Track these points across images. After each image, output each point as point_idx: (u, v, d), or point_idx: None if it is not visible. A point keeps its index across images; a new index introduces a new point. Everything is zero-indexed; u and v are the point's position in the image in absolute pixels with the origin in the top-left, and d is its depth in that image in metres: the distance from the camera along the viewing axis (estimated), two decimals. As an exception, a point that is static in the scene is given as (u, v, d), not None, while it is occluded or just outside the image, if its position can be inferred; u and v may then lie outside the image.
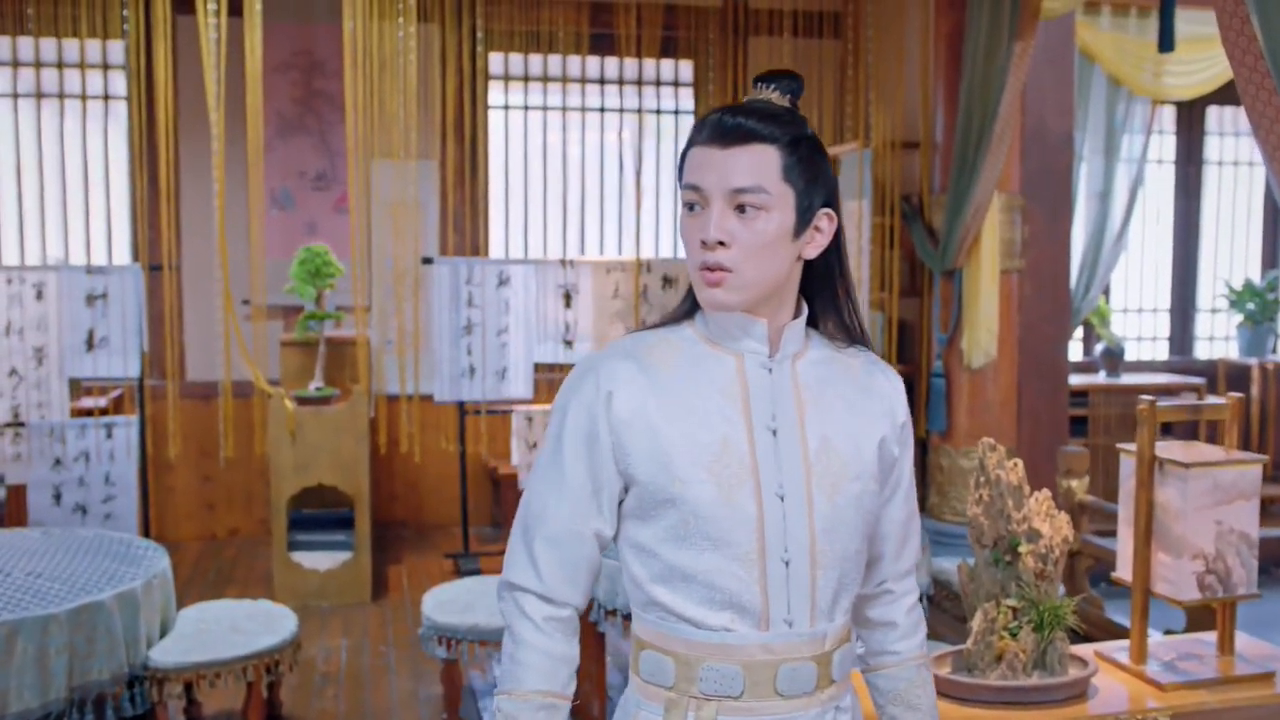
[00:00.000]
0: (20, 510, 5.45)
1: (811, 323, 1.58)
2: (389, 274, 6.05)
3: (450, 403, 6.03)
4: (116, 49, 6.38)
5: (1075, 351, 7.06)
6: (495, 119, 6.98)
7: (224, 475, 6.55)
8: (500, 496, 6.56)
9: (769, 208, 1.45)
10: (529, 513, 1.54)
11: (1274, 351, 7.44)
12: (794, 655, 1.48)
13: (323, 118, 6.67)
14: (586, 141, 7.12)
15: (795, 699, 1.48)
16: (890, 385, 1.60)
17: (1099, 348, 7.04)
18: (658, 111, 7.21)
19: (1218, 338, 7.85)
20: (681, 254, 7.17)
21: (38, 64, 6.43)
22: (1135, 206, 6.97)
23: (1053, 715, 2.29)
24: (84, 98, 6.49)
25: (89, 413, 5.76)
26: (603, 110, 7.11)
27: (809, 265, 1.54)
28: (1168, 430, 5.79)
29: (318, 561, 5.58)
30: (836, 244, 1.54)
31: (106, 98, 6.54)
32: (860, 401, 1.56)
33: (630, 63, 7.03)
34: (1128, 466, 2.58)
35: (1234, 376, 7.35)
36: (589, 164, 7.14)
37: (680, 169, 1.51)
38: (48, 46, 6.39)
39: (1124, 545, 2.62)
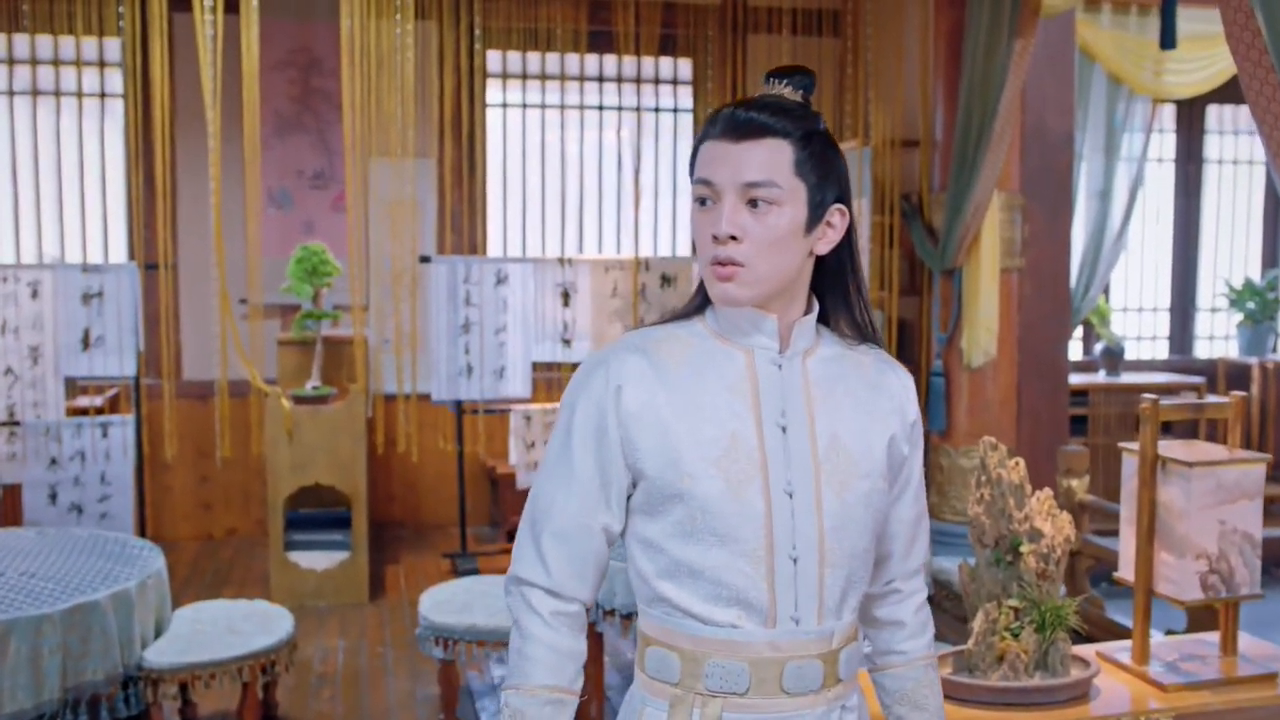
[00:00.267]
0: (15, 510, 5.43)
1: (823, 319, 1.58)
2: (386, 273, 6.03)
3: (448, 402, 6.01)
4: (113, 46, 6.36)
5: (1075, 351, 7.04)
6: (493, 117, 6.96)
7: (220, 475, 6.53)
8: (498, 496, 6.54)
9: (781, 202, 1.45)
10: (537, 507, 1.53)
11: (1274, 350, 7.42)
12: (800, 653, 1.47)
13: (320, 116, 6.65)
14: (585, 140, 7.09)
15: (801, 697, 1.47)
16: (901, 383, 1.60)
17: (1099, 347, 7.02)
18: (656, 110, 7.19)
19: (1218, 337, 7.84)
20: (680, 252, 7.15)
21: (34, 61, 6.40)
22: (1135, 205, 6.96)
23: (1055, 716, 2.27)
24: (80, 95, 6.46)
25: (84, 412, 5.74)
26: (601, 108, 7.09)
27: (820, 261, 1.54)
28: (1167, 429, 5.76)
29: (315, 561, 5.56)
30: (848, 240, 1.54)
31: (103, 95, 6.51)
32: (870, 399, 1.55)
33: (629, 61, 7.01)
34: (1130, 466, 2.56)
35: (1234, 376, 7.33)
36: (587, 162, 7.11)
37: (692, 163, 1.50)
38: (44, 44, 6.37)
39: (1126, 545, 2.61)
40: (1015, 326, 5.39)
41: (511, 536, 6.26)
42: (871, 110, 6.27)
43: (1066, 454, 4.35)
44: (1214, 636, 2.65)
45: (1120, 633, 3.82)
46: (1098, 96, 6.70)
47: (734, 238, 1.44)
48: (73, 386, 5.94)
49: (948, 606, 4.71)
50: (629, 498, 1.52)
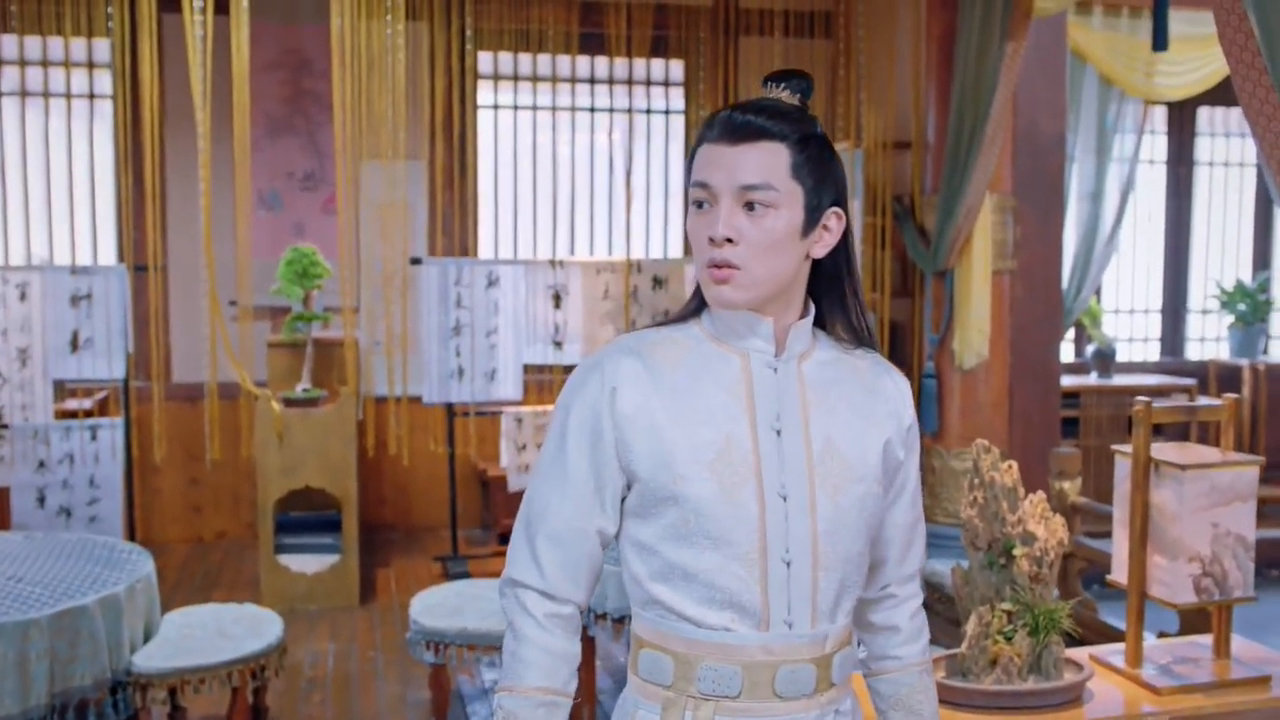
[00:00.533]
0: (3, 513, 5.40)
1: (819, 323, 1.58)
2: (377, 275, 6.01)
3: (439, 404, 5.99)
4: (102, 47, 6.33)
5: (1067, 352, 7.04)
6: (485, 119, 6.94)
7: (210, 478, 6.50)
8: (489, 499, 6.52)
9: (777, 205, 1.45)
10: (532, 509, 1.54)
11: (1265, 352, 7.43)
12: (793, 657, 1.47)
13: (311, 118, 6.63)
14: (576, 141, 7.08)
15: (794, 701, 1.47)
16: (896, 388, 1.60)
17: (1090, 348, 7.03)
18: (648, 111, 7.18)
19: (1209, 339, 7.85)
20: (672, 254, 7.14)
21: (22, 62, 6.37)
22: (1127, 207, 6.97)
23: (1048, 720, 2.27)
24: (69, 97, 6.43)
25: (73, 415, 5.71)
26: (593, 110, 7.08)
27: (817, 265, 1.54)
28: (1159, 431, 5.76)
29: (305, 565, 5.53)
30: (845, 244, 1.54)
31: (92, 97, 6.48)
32: (866, 403, 1.55)
33: (620, 62, 7.00)
34: (1123, 468, 2.56)
35: (1225, 377, 7.34)
36: (579, 164, 7.10)
37: (689, 166, 1.51)
38: (32, 44, 6.34)
39: (1119, 548, 2.60)
40: (1007, 328, 5.39)
41: (503, 539, 6.25)
42: (863, 112, 6.27)
43: (1059, 456, 4.35)
44: (1207, 639, 2.65)
45: (1113, 635, 3.81)
46: (1089, 98, 6.71)
47: (730, 240, 1.45)
48: (61, 389, 5.91)
49: (940, 609, 4.70)
50: (623, 500, 1.51)
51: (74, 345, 5.47)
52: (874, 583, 1.64)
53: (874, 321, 6.01)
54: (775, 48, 6.89)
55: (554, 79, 6.92)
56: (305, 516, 5.88)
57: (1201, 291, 7.78)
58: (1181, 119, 7.61)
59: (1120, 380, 6.84)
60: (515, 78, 6.95)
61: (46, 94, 6.42)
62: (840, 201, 1.51)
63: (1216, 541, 2.47)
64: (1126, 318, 7.76)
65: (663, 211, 7.24)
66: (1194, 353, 7.82)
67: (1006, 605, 2.37)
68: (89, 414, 5.82)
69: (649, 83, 7.15)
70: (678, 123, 7.18)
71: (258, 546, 5.61)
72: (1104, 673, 2.50)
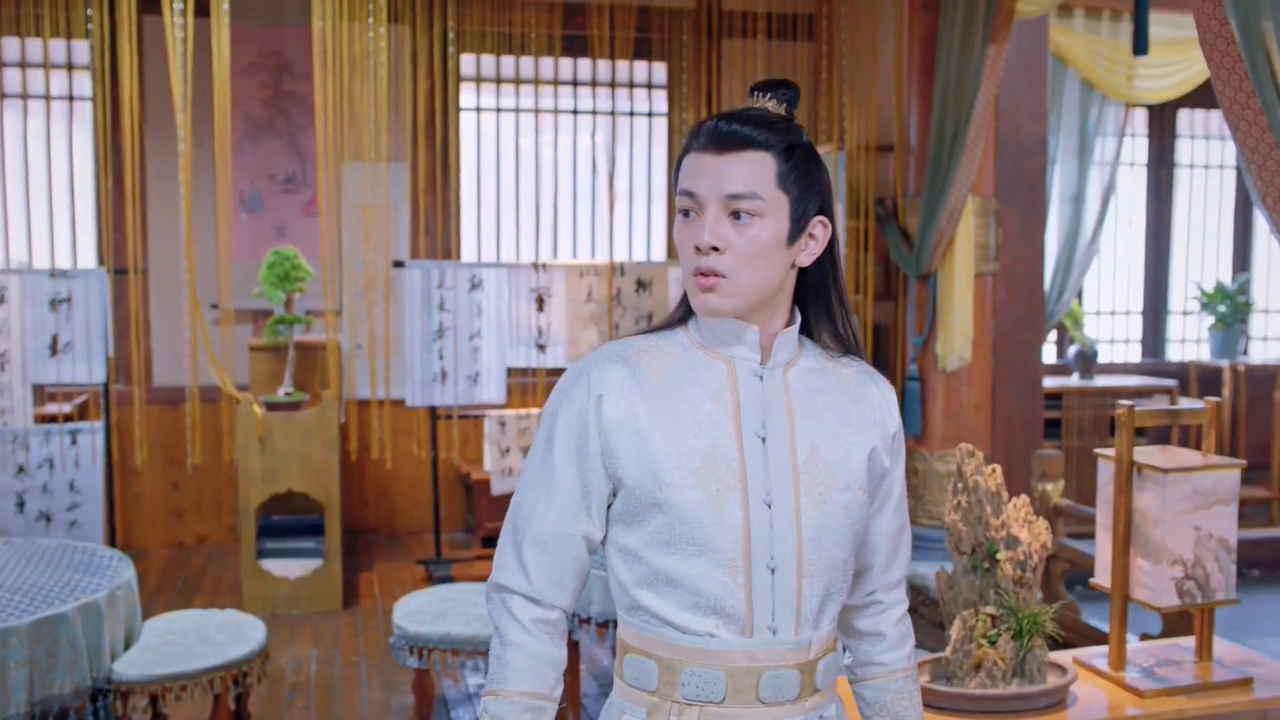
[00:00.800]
0: (-18, 519, 5.35)
1: (806, 331, 1.59)
2: (359, 278, 5.99)
3: (422, 408, 5.97)
4: (81, 49, 6.28)
5: (1049, 354, 7.07)
6: (467, 121, 6.93)
7: (192, 482, 6.46)
8: (473, 502, 6.50)
9: (763, 214, 1.46)
10: (518, 515, 1.54)
11: (1245, 354, 7.48)
12: (777, 663, 1.48)
13: (292, 120, 6.60)
14: (559, 144, 7.07)
15: (777, 706, 1.48)
16: (882, 396, 1.61)
17: (1072, 350, 7.06)
18: (631, 114, 7.17)
19: (1189, 340, 7.89)
20: (655, 257, 7.14)
21: (0, 64, 6.32)
22: (1108, 209, 7.00)
23: (1032, 724, 2.27)
24: (48, 98, 6.38)
25: (53, 419, 5.67)
26: (575, 112, 7.07)
27: (803, 273, 1.56)
28: (1140, 433, 5.80)
29: (287, 569, 5.50)
30: (831, 252, 1.55)
31: (71, 99, 6.44)
32: (851, 411, 1.56)
33: (603, 65, 7.00)
34: (1106, 472, 2.56)
35: (1205, 379, 7.39)
36: (561, 166, 7.09)
37: (676, 175, 1.52)
38: (10, 46, 6.29)
39: (1103, 551, 2.61)
40: (990, 330, 5.40)
41: (486, 542, 6.24)
42: (846, 115, 6.27)
43: (1041, 458, 4.36)
44: (1189, 641, 2.66)
45: (1096, 637, 3.82)
46: (1070, 101, 6.74)
47: (716, 249, 1.46)
48: (41, 393, 5.87)
49: (924, 612, 4.71)
50: (609, 506, 1.52)
51: (54, 349, 5.43)
52: (859, 589, 1.65)
53: (858, 326, 6.04)
54: (758, 50, 6.90)
55: (536, 81, 6.90)
56: (287, 521, 5.85)
57: (1182, 293, 7.82)
58: (1162, 122, 7.66)
59: (1102, 382, 6.87)
60: (498, 80, 6.93)
61: (25, 96, 6.37)
62: (826, 210, 1.52)
63: (1199, 544, 2.48)
64: (1108, 319, 7.79)
65: (645, 214, 7.24)
66: (1175, 354, 7.87)
67: (990, 609, 2.37)
68: (69, 418, 5.78)
69: (631, 85, 7.15)
70: (660, 125, 7.18)
71: (239, 551, 5.58)
72: (1087, 676, 2.51)
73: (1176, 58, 6.44)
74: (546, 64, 6.89)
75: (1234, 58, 2.31)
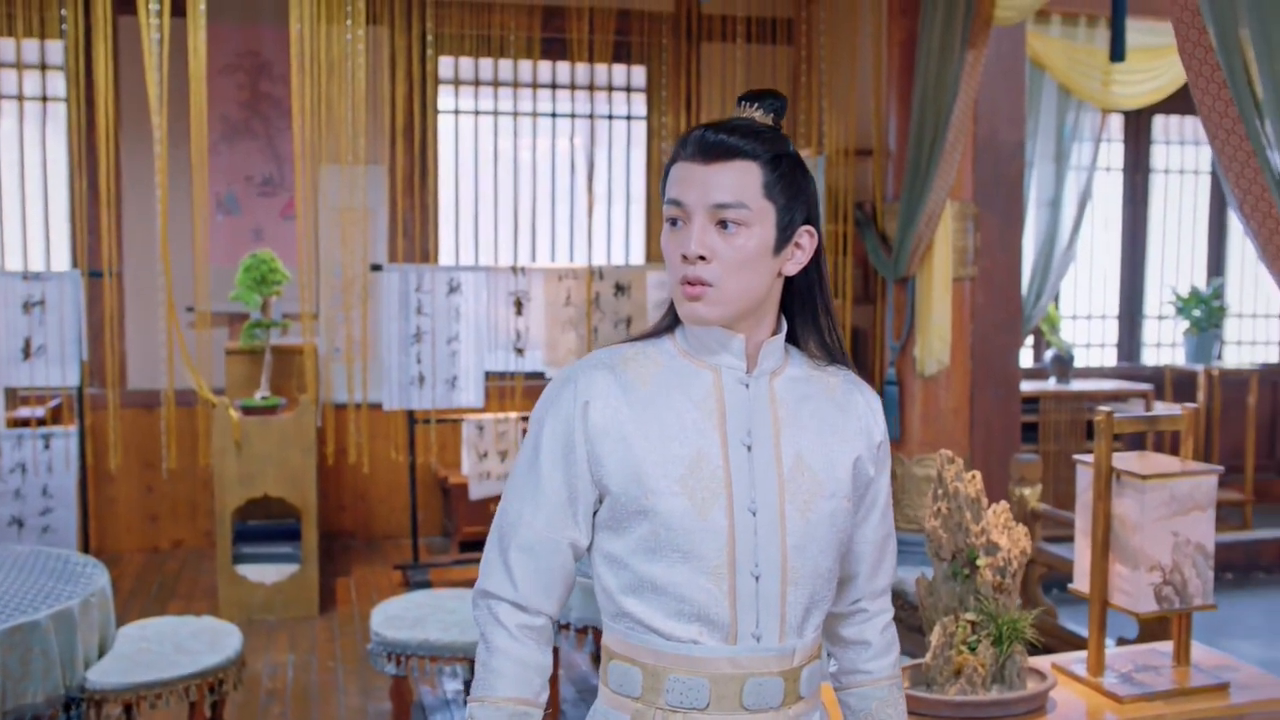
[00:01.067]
0: (-47, 524, 5.29)
1: (793, 340, 1.60)
2: (337, 281, 5.96)
3: (399, 411, 5.94)
4: (55, 49, 6.22)
5: (1025, 358, 7.10)
6: (445, 124, 6.90)
7: (167, 487, 6.41)
8: (450, 507, 6.48)
9: (750, 223, 1.47)
10: (505, 521, 1.55)
11: (1219, 358, 7.54)
12: (761, 670, 1.48)
13: (269, 122, 6.56)
14: (538, 147, 7.05)
15: (761, 713, 1.49)
16: (868, 405, 1.61)
17: (1049, 354, 7.09)
18: (609, 117, 7.16)
19: (1164, 344, 7.94)
20: (634, 261, 7.13)
21: (-27, 64, 6.26)
22: (1084, 214, 7.04)
23: (1012, 731, 2.27)
24: (21, 99, 6.32)
25: (26, 423, 5.61)
26: (554, 115, 7.05)
27: (789, 282, 1.56)
28: (1116, 437, 5.82)
29: (264, 574, 5.46)
30: (817, 261, 1.57)
31: (45, 99, 6.38)
32: (837, 420, 1.57)
33: (582, 68, 6.98)
34: (1085, 478, 2.57)
35: (1180, 383, 7.44)
36: (540, 170, 7.07)
37: (664, 184, 1.53)
38: (-17, 46, 6.23)
39: (1082, 557, 2.62)
40: (968, 335, 5.42)
41: (464, 547, 6.22)
42: (825, 119, 6.29)
43: (1019, 464, 4.37)
44: (1167, 646, 2.67)
45: (1074, 641, 3.84)
46: (1048, 106, 6.78)
47: (703, 258, 1.46)
48: (13, 397, 5.80)
49: (903, 616, 4.70)
50: (595, 513, 1.53)
51: (26, 352, 5.37)
52: (845, 597, 1.66)
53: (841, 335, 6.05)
54: (737, 54, 6.91)
55: (515, 84, 6.89)
56: (264, 525, 5.81)
57: (1157, 297, 7.87)
58: (1137, 127, 7.71)
59: (1078, 386, 6.91)
60: (476, 83, 6.91)
61: (-2, 96, 6.31)
62: (813, 219, 1.53)
63: (1177, 550, 2.49)
64: (1084, 324, 7.84)
65: (624, 218, 7.23)
66: (1150, 358, 7.91)
67: (970, 615, 2.38)
68: (42, 422, 5.72)
69: (610, 88, 7.14)
70: (639, 128, 7.17)
71: (215, 556, 5.54)
72: (1066, 681, 2.52)
73: (1152, 64, 6.49)
74: (525, 67, 6.88)
75: (1212, 66, 2.32)
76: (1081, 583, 2.60)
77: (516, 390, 6.22)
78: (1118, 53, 4.41)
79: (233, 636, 3.78)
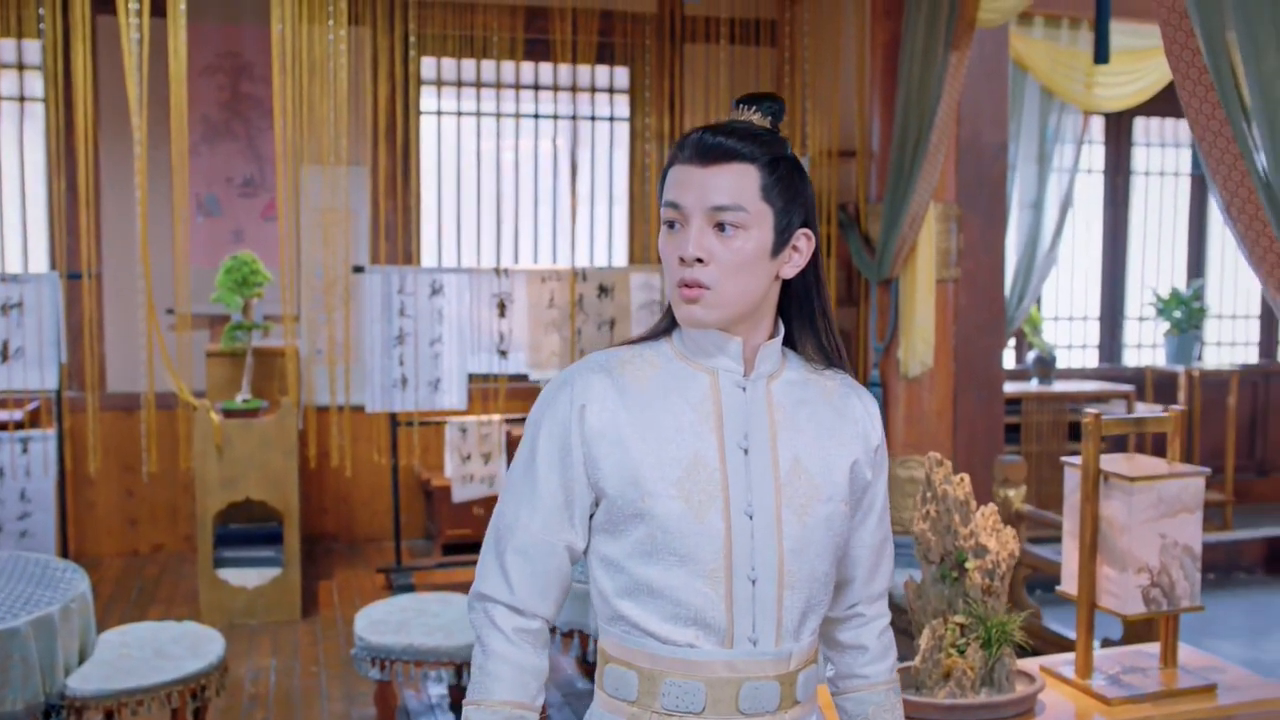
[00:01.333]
0: (-70, 529, 5.23)
1: (790, 343, 1.60)
2: (318, 283, 5.92)
3: (382, 414, 5.91)
4: (32, 49, 6.17)
5: (1008, 359, 7.12)
6: (428, 125, 6.87)
7: (147, 490, 6.36)
8: (433, 509, 6.45)
9: (747, 226, 1.46)
10: (501, 524, 1.55)
11: (1199, 359, 7.57)
12: (757, 674, 1.48)
13: (250, 122, 6.51)
14: (521, 148, 7.03)
15: (757, 718, 1.49)
16: (865, 409, 1.61)
17: (1031, 355, 7.11)
18: (593, 118, 7.15)
19: (1145, 345, 7.98)
20: (617, 262, 7.11)
21: (-51, 64, 6.20)
22: (1066, 216, 7.06)
23: (1002, 734, 2.27)
24: (-2, 99, 6.26)
25: (3, 426, 5.55)
26: (537, 117, 7.03)
27: (787, 285, 1.56)
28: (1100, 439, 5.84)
29: (245, 578, 5.42)
30: (814, 264, 1.56)
31: (22, 99, 6.32)
32: (834, 424, 1.57)
33: (565, 69, 6.97)
34: (1072, 480, 2.57)
35: (1161, 384, 7.47)
36: (523, 171, 7.05)
37: (661, 187, 1.52)
38: (-40, 46, 6.17)
39: (1069, 559, 2.62)
40: (951, 336, 5.43)
41: (447, 550, 6.19)
42: (808, 120, 6.29)
43: (1004, 465, 4.38)
44: (1154, 648, 2.68)
45: (1060, 643, 3.84)
46: (1030, 108, 6.80)
47: (700, 260, 1.46)
48: (-9, 400, 5.75)
49: (892, 619, 4.72)
50: (591, 516, 1.53)
51: (4, 355, 5.32)
52: (841, 602, 1.66)
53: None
54: (720, 56, 6.90)
55: (498, 85, 6.86)
56: (245, 529, 5.76)
57: (1138, 299, 7.91)
58: (1119, 129, 7.74)
59: (1060, 387, 6.93)
60: (459, 83, 6.88)
61: (-25, 96, 6.25)
62: (810, 222, 1.53)
63: (1164, 552, 2.49)
64: (1065, 325, 7.87)
65: (607, 219, 7.21)
66: (1131, 359, 7.95)
67: (959, 618, 2.37)
68: (20, 425, 5.66)
69: (594, 89, 7.12)
70: (622, 130, 7.16)
71: (196, 560, 5.50)
72: (1055, 684, 2.52)
73: (1134, 66, 6.52)
74: (508, 68, 6.85)
75: (1199, 68, 2.32)
76: (1069, 585, 2.61)
77: (500, 392, 6.20)
78: (1101, 55, 4.42)
79: (215, 642, 3.75)
